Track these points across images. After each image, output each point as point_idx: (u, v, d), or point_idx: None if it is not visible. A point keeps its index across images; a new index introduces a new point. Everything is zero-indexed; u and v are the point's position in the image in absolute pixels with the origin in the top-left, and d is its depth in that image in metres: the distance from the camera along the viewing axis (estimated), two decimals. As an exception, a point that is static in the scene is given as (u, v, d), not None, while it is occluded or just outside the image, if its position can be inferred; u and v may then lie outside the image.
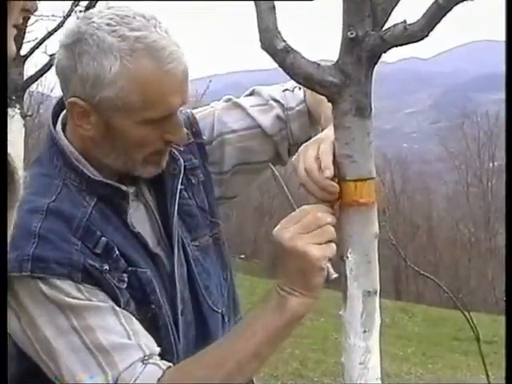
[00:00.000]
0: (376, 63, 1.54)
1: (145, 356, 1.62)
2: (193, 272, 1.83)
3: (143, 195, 1.80)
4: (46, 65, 8.23)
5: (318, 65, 1.53)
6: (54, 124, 1.79)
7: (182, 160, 1.84)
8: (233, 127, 1.97)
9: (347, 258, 1.60)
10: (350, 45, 1.51)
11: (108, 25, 1.62)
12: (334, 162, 1.60)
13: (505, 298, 1.65)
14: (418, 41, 1.44)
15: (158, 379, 1.60)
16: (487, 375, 3.83)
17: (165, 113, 1.68)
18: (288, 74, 1.53)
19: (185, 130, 1.77)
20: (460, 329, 15.94)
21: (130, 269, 1.68)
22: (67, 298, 1.59)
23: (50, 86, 30.85)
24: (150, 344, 1.65)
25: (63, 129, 1.77)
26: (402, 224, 37.49)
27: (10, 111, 7.29)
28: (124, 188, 1.72)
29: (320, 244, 1.58)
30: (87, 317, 1.59)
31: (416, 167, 50.54)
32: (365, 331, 1.61)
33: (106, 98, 1.64)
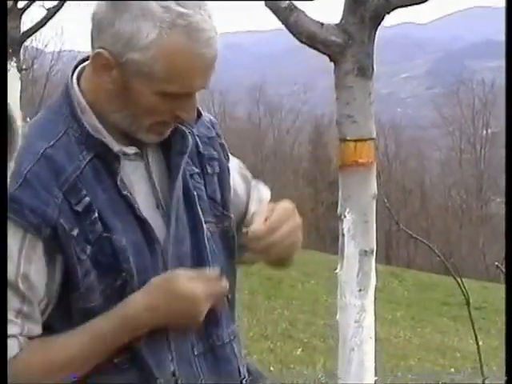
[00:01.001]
0: (379, 24, 1.54)
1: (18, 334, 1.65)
2: (203, 249, 1.84)
3: (147, 157, 1.80)
4: (43, 18, 8.16)
5: (322, 24, 1.54)
6: (73, 75, 1.80)
7: (190, 138, 1.85)
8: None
9: (345, 217, 1.62)
10: (353, 5, 1.52)
11: None
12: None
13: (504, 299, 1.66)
14: (421, 2, 1.44)
15: (14, 356, 1.63)
16: (476, 338, 3.86)
17: (184, 91, 1.69)
18: (291, 32, 1.54)
19: (195, 112, 1.78)
20: (450, 294, 16.06)
21: (104, 234, 1.68)
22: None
23: (45, 41, 30.75)
24: (32, 328, 1.67)
25: (78, 80, 1.78)
26: (395, 189, 37.62)
27: (6, 65, 7.24)
28: (116, 149, 1.72)
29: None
30: None
31: (410, 133, 50.52)
32: (360, 290, 1.64)
33: (134, 60, 1.64)
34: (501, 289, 18.79)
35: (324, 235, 37.92)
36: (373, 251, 1.61)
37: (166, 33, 1.62)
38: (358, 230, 1.59)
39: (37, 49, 28.23)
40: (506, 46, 1.63)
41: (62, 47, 34.13)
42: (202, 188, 1.87)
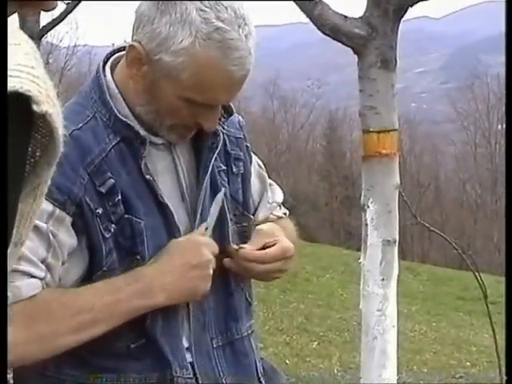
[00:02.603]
0: (403, 16, 1.56)
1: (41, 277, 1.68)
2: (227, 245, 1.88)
3: (175, 149, 1.84)
4: (62, 13, 8.19)
5: (345, 17, 1.56)
6: (106, 63, 1.84)
7: (221, 136, 1.88)
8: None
9: (368, 207, 1.64)
10: (377, -2, 1.53)
11: (200, 2, 1.66)
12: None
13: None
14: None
15: (32, 295, 1.66)
16: (493, 330, 3.87)
17: (207, 102, 1.73)
18: (315, 24, 1.56)
19: (217, 122, 1.83)
20: (464, 288, 16.02)
21: (125, 216, 1.73)
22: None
23: (60, 36, 30.80)
24: (51, 282, 1.70)
25: (112, 70, 1.82)
26: (409, 184, 37.53)
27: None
28: (143, 133, 1.76)
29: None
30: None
31: (424, 127, 50.41)
32: (383, 279, 1.66)
33: (165, 62, 1.68)
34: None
35: (338, 230, 37.89)
36: (395, 241, 1.63)
37: (200, 43, 1.66)
38: (380, 220, 1.61)
39: (52, 44, 28.29)
40: (506, 47, 1.63)
41: (77, 42, 34.24)
42: (226, 186, 1.91)
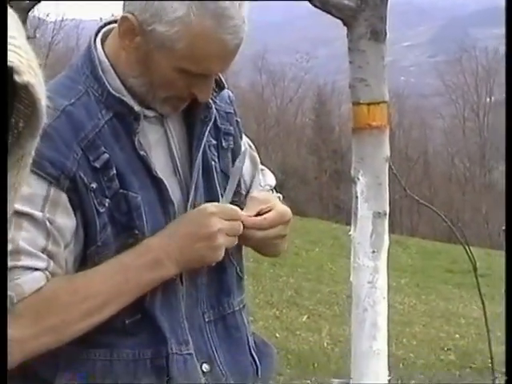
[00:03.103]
0: (392, -13, 1.55)
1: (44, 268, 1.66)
2: None
3: (167, 122, 1.82)
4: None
5: (335, -12, 1.55)
6: (96, 36, 1.82)
7: (214, 109, 1.86)
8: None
9: (358, 180, 1.64)
10: (367, -32, 1.52)
11: None
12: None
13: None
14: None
15: (41, 287, 1.64)
16: (483, 303, 3.90)
17: (202, 71, 1.71)
18: (304, -4, 1.55)
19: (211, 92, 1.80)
20: (453, 261, 16.11)
21: (120, 191, 1.71)
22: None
23: (46, 11, 30.62)
24: (56, 269, 1.68)
25: (103, 42, 1.80)
26: (398, 158, 37.56)
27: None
28: (137, 108, 1.74)
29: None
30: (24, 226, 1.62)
31: (413, 101, 50.35)
32: (374, 251, 1.66)
33: (158, 32, 1.66)
34: (503, 255, 18.69)
35: (327, 204, 37.95)
36: (386, 213, 1.63)
37: (194, 13, 1.63)
38: (371, 192, 1.61)
39: (39, 18, 28.10)
40: (506, 43, 1.65)
41: (65, 16, 34.04)
42: (217, 161, 1.90)
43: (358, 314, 1.65)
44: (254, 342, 1.97)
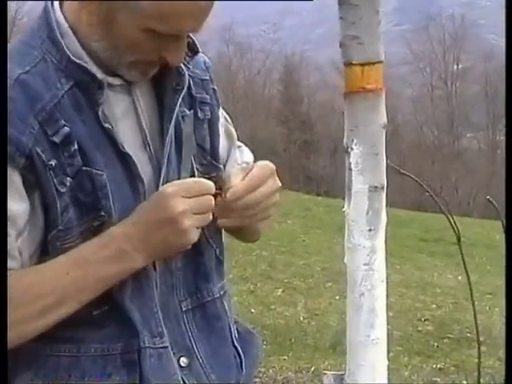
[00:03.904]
0: None
1: None
2: None
3: (135, 91, 1.63)
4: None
5: None
6: None
7: (187, 76, 1.67)
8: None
9: (352, 150, 1.46)
10: None
11: None
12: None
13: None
14: None
15: None
16: (467, 273, 3.77)
17: (171, 31, 1.52)
18: None
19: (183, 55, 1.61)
20: (426, 230, 16.11)
21: (83, 168, 1.52)
22: None
23: (9, -15, 30.08)
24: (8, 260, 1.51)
25: (62, 3, 1.60)
26: (367, 127, 37.53)
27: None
28: (100, 75, 1.55)
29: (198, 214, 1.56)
30: None
31: (380, 70, 50.14)
32: (370, 230, 1.49)
33: None
34: (474, 223, 18.91)
35: (297, 175, 37.97)
36: (383, 187, 1.47)
37: None
38: (366, 163, 1.44)
39: (0, -8, 27.59)
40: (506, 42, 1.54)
41: (28, -11, 33.37)
42: (192, 133, 1.71)
43: (354, 299, 1.49)
44: (238, 332, 1.79)
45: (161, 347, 1.60)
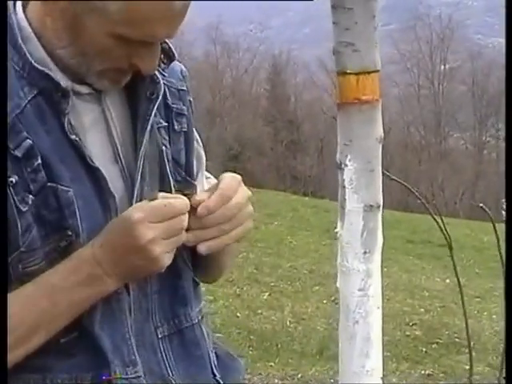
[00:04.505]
0: None
1: None
2: None
3: (105, 100, 1.51)
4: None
5: None
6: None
7: (162, 84, 1.55)
8: None
9: (346, 166, 1.35)
10: None
11: None
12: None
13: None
14: None
15: None
16: (458, 279, 3.68)
17: (143, 38, 1.41)
18: None
19: (157, 63, 1.50)
20: (413, 232, 16.03)
21: (48, 184, 1.41)
22: None
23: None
24: None
25: (25, 7, 1.48)
26: (354, 127, 37.55)
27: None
28: (64, 83, 1.43)
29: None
30: None
31: (367, 70, 50.19)
32: (365, 252, 1.38)
33: None
34: (461, 224, 18.86)
35: (284, 175, 37.91)
36: (379, 206, 1.36)
37: None
38: (361, 181, 1.33)
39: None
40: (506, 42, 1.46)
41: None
42: (168, 146, 1.58)
43: (348, 327, 1.38)
44: (218, 357, 1.67)
45: (133, 377, 1.49)
